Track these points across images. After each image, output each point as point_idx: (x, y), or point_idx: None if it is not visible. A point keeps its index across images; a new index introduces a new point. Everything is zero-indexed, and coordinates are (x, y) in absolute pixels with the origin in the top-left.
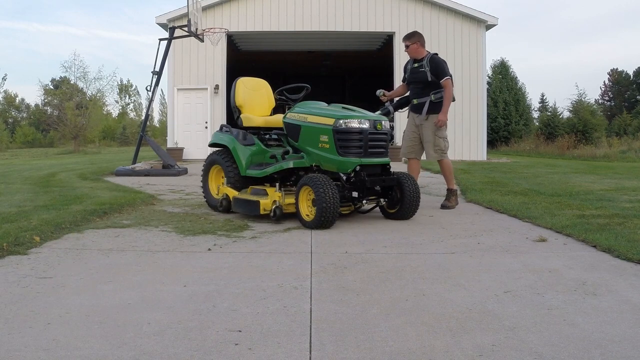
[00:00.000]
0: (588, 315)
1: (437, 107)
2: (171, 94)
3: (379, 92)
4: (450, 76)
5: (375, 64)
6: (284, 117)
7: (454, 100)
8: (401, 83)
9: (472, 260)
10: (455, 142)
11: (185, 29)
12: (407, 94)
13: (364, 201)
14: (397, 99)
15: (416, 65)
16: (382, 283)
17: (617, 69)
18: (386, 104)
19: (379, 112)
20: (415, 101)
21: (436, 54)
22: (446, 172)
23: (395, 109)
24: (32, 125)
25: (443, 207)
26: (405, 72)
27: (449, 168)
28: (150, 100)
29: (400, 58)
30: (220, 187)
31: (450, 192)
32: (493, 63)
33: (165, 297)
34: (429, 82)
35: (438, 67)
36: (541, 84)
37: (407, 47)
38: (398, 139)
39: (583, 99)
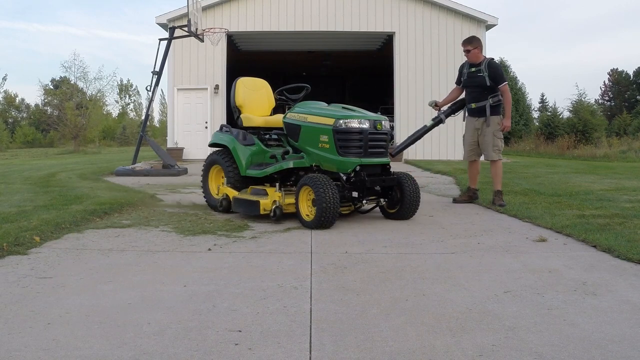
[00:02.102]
0: (588, 315)
1: (495, 110)
2: (171, 94)
3: (431, 102)
4: (506, 81)
5: (375, 64)
6: (284, 117)
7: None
8: (455, 86)
9: (472, 260)
10: (456, 142)
11: (185, 29)
12: (460, 97)
13: (364, 201)
14: (447, 106)
15: (473, 69)
16: (382, 283)
17: (617, 69)
18: (438, 112)
19: (431, 121)
20: (473, 105)
21: (493, 59)
22: (498, 173)
23: (448, 116)
24: (32, 125)
25: (500, 205)
26: (461, 75)
27: (501, 170)
28: (150, 100)
29: (400, 58)
30: (220, 187)
31: (499, 193)
32: None
33: (165, 297)
34: (487, 87)
35: (496, 73)
36: (541, 84)
37: (467, 51)
38: (398, 139)
39: (583, 99)
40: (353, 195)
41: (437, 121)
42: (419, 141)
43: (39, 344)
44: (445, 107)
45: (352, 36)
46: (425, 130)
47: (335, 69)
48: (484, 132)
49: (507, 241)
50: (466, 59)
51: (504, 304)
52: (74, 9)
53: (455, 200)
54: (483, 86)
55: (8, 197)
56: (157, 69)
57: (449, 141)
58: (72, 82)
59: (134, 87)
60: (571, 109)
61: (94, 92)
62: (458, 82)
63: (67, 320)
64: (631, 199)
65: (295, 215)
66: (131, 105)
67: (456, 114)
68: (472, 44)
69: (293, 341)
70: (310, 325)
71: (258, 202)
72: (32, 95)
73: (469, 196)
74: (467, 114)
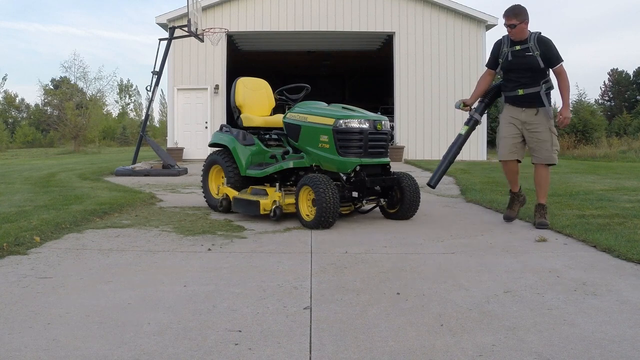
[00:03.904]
0: (588, 315)
1: (549, 100)
2: (171, 94)
3: (458, 103)
4: (563, 60)
5: (375, 64)
6: (284, 117)
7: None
8: (486, 69)
9: (472, 260)
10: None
11: (185, 29)
12: (492, 85)
13: (364, 201)
14: (477, 102)
15: (518, 47)
16: (382, 283)
17: (617, 69)
18: (470, 113)
19: (465, 125)
20: (521, 92)
21: (541, 34)
22: (546, 181)
23: (483, 112)
24: (32, 125)
25: (541, 225)
26: (498, 55)
27: (549, 177)
28: (150, 100)
29: (400, 58)
30: (220, 187)
31: (542, 208)
32: None
33: (165, 297)
34: (540, 69)
35: (551, 51)
36: None
37: (512, 26)
38: (398, 139)
39: (583, 99)
40: (353, 195)
41: (473, 124)
42: (419, 141)
43: (39, 344)
44: (475, 104)
45: (352, 36)
46: (462, 141)
47: (335, 69)
48: (536, 128)
49: (507, 241)
50: (506, 35)
51: (504, 304)
52: (74, 9)
53: (508, 218)
54: (534, 68)
55: (8, 197)
56: (157, 69)
57: (449, 141)
58: (72, 82)
59: (134, 87)
60: (571, 109)
61: (94, 92)
62: (492, 64)
63: (67, 320)
64: (631, 199)
65: (295, 215)
66: (131, 105)
67: (490, 107)
68: (519, 17)
69: (293, 341)
70: (310, 325)
71: (258, 202)
72: (32, 95)
73: (520, 202)
74: (506, 103)
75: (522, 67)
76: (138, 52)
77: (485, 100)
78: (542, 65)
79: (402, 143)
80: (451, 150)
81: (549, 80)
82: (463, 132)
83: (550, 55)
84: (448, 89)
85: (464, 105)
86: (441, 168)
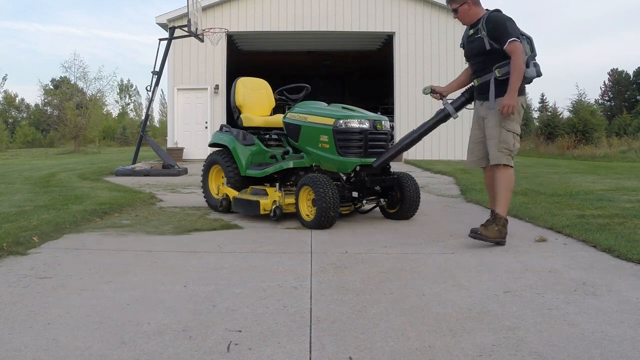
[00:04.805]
0: (588, 315)
1: (504, 88)
2: (171, 94)
3: (426, 89)
4: (519, 37)
5: (375, 64)
6: (284, 117)
7: (539, 75)
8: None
9: (472, 260)
10: (456, 140)
11: (185, 29)
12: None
13: (364, 201)
14: (461, 93)
15: (472, 32)
16: (382, 283)
17: (617, 69)
18: (442, 102)
19: (434, 116)
20: (476, 82)
21: (495, 11)
22: (501, 187)
23: (459, 108)
24: (32, 125)
25: (472, 232)
26: (462, 46)
27: (508, 181)
28: (150, 100)
29: (400, 58)
30: (220, 187)
31: (495, 218)
32: None
33: (165, 297)
34: (488, 52)
35: (498, 28)
36: (541, 84)
37: (455, 11)
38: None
39: (583, 99)
40: (353, 195)
41: (443, 116)
42: (420, 140)
43: (39, 344)
44: (454, 95)
45: (352, 36)
46: (424, 130)
47: (335, 69)
48: (488, 122)
49: (507, 241)
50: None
51: (504, 304)
52: (74, 9)
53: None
54: (482, 52)
55: (8, 197)
56: (157, 69)
57: (449, 141)
58: (72, 82)
59: (134, 87)
60: (571, 109)
61: (94, 92)
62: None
63: (67, 320)
64: (631, 199)
65: (295, 215)
66: (131, 105)
67: (472, 103)
68: (456, 0)
69: (293, 341)
70: (310, 325)
71: (258, 202)
72: (32, 95)
73: (499, 231)
74: (475, 99)
75: (473, 53)
76: (138, 52)
77: (466, 95)
78: (488, 47)
79: None
80: (409, 136)
81: (506, 65)
82: (431, 122)
83: (498, 34)
84: None
85: (433, 91)
86: (390, 152)
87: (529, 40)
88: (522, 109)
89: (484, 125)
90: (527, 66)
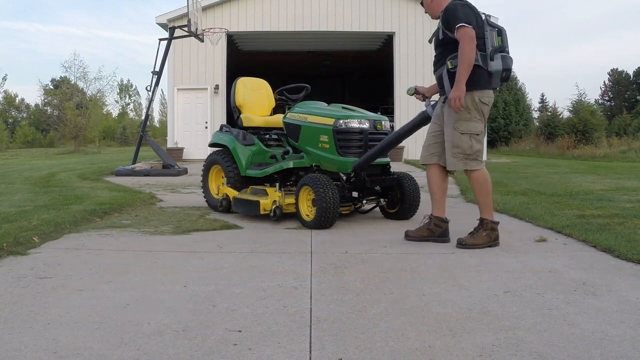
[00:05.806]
0: (588, 315)
1: (448, 82)
2: (171, 94)
3: (410, 89)
4: (470, 23)
5: (375, 64)
6: (284, 117)
7: (507, 69)
8: None
9: (472, 260)
10: None
11: (185, 29)
12: None
13: (364, 201)
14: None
15: (438, 25)
16: (382, 283)
17: (617, 69)
18: (425, 104)
19: (415, 118)
20: (435, 76)
21: (454, 1)
22: (478, 193)
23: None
24: (32, 125)
25: (461, 245)
26: (430, 41)
27: (481, 184)
28: (150, 100)
29: (400, 58)
30: (220, 187)
31: (482, 224)
32: None
33: (165, 297)
34: (445, 42)
35: (450, 15)
36: (541, 84)
37: (421, 4)
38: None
39: (583, 99)
40: (353, 195)
41: (422, 118)
42: (419, 141)
43: (39, 344)
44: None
45: (352, 36)
46: (404, 132)
47: (335, 69)
48: (444, 121)
49: (507, 241)
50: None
51: (504, 304)
52: (74, 9)
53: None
54: (437, 43)
55: (8, 197)
56: (157, 69)
57: None
58: (72, 82)
59: (134, 87)
60: (571, 109)
61: (94, 92)
62: None
63: (67, 320)
64: (631, 199)
65: (295, 215)
66: (131, 105)
67: None
68: None
69: (293, 341)
70: (310, 325)
71: (258, 202)
72: (32, 95)
73: (429, 230)
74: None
75: (434, 46)
76: (138, 52)
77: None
78: (441, 36)
79: (402, 143)
80: (388, 138)
81: (457, 55)
82: (411, 123)
83: (451, 22)
84: None
85: (416, 91)
86: (368, 154)
87: (500, 32)
88: (486, 105)
89: (441, 122)
90: (492, 59)
